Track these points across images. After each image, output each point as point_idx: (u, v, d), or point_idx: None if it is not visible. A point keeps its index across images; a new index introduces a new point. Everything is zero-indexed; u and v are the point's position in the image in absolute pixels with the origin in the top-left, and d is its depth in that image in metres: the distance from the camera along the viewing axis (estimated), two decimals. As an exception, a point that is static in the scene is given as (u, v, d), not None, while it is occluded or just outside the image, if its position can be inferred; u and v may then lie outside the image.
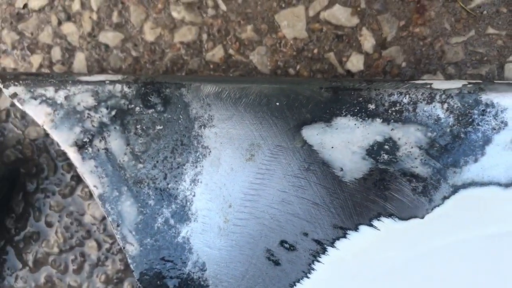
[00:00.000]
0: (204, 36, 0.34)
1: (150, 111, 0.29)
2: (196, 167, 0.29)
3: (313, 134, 0.28)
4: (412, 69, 0.33)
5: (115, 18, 0.35)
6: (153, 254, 0.30)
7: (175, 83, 0.29)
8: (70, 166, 0.36)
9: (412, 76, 0.33)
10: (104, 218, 0.36)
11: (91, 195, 0.36)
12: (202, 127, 0.29)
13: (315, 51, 0.33)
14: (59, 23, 0.35)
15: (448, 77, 0.32)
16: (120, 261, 0.36)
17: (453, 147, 0.27)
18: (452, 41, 0.33)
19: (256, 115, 0.28)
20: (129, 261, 0.30)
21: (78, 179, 0.36)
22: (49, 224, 0.36)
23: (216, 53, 0.34)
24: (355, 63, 0.33)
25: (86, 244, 0.36)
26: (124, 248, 0.30)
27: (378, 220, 0.28)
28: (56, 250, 0.36)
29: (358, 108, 0.27)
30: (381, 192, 0.28)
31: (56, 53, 0.36)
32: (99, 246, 0.36)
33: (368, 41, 0.33)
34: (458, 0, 0.32)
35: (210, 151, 0.29)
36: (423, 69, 0.33)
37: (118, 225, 0.30)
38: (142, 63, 0.35)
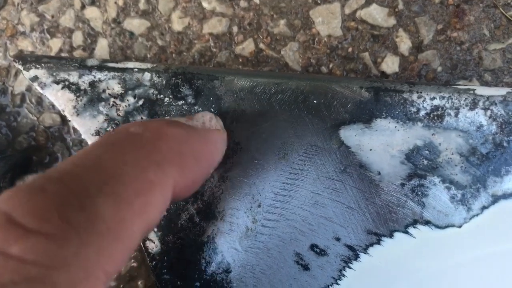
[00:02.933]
0: (235, 29, 0.33)
1: (180, 102, 0.28)
2: (225, 163, 0.28)
3: (351, 135, 0.27)
4: (447, 74, 0.32)
5: (142, 5, 0.33)
6: (174, 252, 0.29)
7: (208, 75, 0.28)
8: None
9: (447, 81, 0.32)
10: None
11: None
12: (234, 122, 0.28)
13: (350, 50, 0.32)
14: (83, 6, 0.34)
15: (485, 84, 0.32)
16: (133, 258, 0.34)
17: (495, 156, 0.26)
18: (490, 48, 0.32)
19: (291, 113, 0.27)
20: (148, 259, 0.29)
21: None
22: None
23: (246, 47, 0.33)
24: (390, 64, 0.32)
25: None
26: (143, 245, 0.29)
27: (414, 227, 0.27)
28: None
29: (399, 110, 0.26)
30: (418, 199, 0.27)
31: (78, 38, 0.34)
32: None
33: (404, 43, 0.32)
34: (498, 6, 0.31)
35: (241, 148, 0.28)
36: (459, 74, 0.32)
37: None
38: (168, 53, 0.33)
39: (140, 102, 0.28)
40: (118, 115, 0.28)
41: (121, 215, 0.16)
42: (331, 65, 0.32)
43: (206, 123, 0.26)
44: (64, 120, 0.34)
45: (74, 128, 0.34)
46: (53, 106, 0.34)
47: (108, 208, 0.15)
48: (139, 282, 0.35)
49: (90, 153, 0.18)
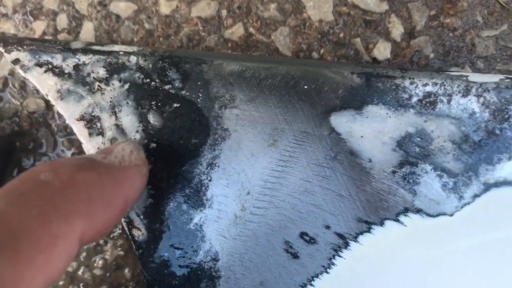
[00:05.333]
0: (224, 12, 0.32)
1: (167, 87, 0.27)
2: (214, 150, 0.27)
3: (342, 121, 0.26)
4: (440, 61, 0.32)
5: (128, -14, 0.32)
6: (161, 240, 0.28)
7: (196, 59, 0.27)
8: (71, 142, 0.34)
9: (439, 68, 0.31)
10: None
11: (92, 175, 0.33)
12: (223, 107, 0.27)
13: (341, 35, 0.32)
14: (67, -12, 0.33)
15: (477, 71, 0.31)
16: (120, 247, 0.34)
17: (487, 143, 0.26)
18: (483, 35, 0.31)
19: (281, 98, 0.26)
20: (135, 247, 0.28)
21: (79, 157, 0.34)
22: (45, 204, 0.34)
23: (235, 31, 0.32)
24: (382, 51, 0.31)
25: (84, 227, 0.34)
26: (130, 233, 0.28)
27: (405, 215, 0.27)
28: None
29: (390, 96, 0.26)
30: (410, 187, 0.26)
31: (62, 21, 0.33)
32: None
33: (396, 29, 0.31)
34: (492, -9, 0.31)
35: (230, 134, 0.27)
36: (451, 61, 0.31)
37: None
38: (155, 37, 0.33)
39: (126, 86, 0.27)
40: (104, 99, 0.28)
41: (21, 273, 0.15)
42: (322, 51, 0.31)
43: (126, 157, 0.25)
44: (48, 105, 0.33)
45: (59, 114, 0.33)
46: (37, 91, 0.33)
47: (6, 266, 0.15)
48: (126, 271, 0.34)
49: None
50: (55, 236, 0.17)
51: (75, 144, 0.34)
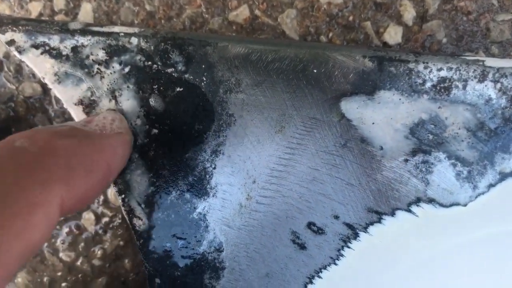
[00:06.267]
0: (229, -6, 0.31)
1: (170, 70, 0.26)
2: (218, 136, 0.26)
3: (352, 107, 0.25)
4: (453, 46, 0.30)
5: (128, -34, 0.31)
6: (163, 230, 0.27)
7: (200, 41, 0.25)
8: None
9: (452, 54, 0.30)
10: (104, 189, 0.32)
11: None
12: (228, 92, 0.26)
13: (351, 18, 0.30)
14: (64, -33, 0.31)
15: (491, 57, 0.30)
16: (120, 237, 0.33)
17: (503, 131, 0.25)
18: (498, 19, 0.30)
19: (289, 83, 0.25)
20: (135, 237, 0.27)
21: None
22: (42, 192, 0.33)
23: (240, 13, 0.31)
24: (393, 35, 0.30)
25: (83, 217, 0.33)
26: (130, 222, 0.27)
27: (417, 205, 0.26)
28: (48, 221, 0.33)
29: (404, 81, 0.25)
30: (422, 176, 0.25)
31: (59, 2, 0.32)
32: (98, 219, 0.33)
33: (408, 12, 0.30)
34: (508, -27, 0.30)
35: (236, 120, 0.26)
36: (465, 46, 0.30)
37: (125, 197, 0.27)
38: (156, 19, 0.31)
39: (127, 69, 0.26)
40: (103, 83, 0.26)
41: None
42: (330, 34, 0.30)
43: (107, 126, 0.24)
44: (45, 90, 0.32)
45: (56, 99, 0.32)
46: (33, 75, 0.32)
47: None
48: (126, 261, 0.33)
49: None
50: (33, 203, 0.17)
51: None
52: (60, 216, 0.19)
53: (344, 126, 0.25)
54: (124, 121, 0.26)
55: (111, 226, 0.33)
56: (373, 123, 0.25)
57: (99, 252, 0.33)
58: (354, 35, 0.30)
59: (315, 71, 0.25)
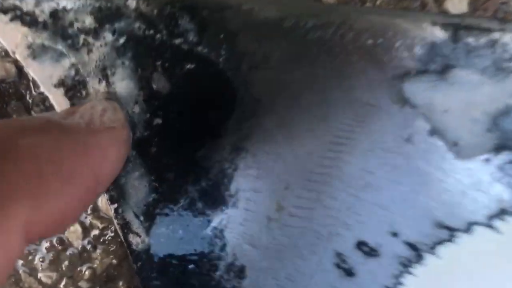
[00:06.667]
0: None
1: (178, 41, 0.21)
2: (241, 128, 0.21)
3: (418, 90, 0.20)
4: (531, 18, 0.25)
5: None
6: (168, 249, 0.22)
7: (217, 2, 0.20)
8: None
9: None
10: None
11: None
12: (254, 69, 0.21)
13: (403, -18, 0.25)
14: None
15: None
16: (112, 254, 0.27)
17: None
18: None
19: (335, 58, 0.20)
20: (132, 258, 0.22)
21: (60, 139, 0.27)
22: (17, 198, 0.27)
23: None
24: (457, 2, 0.24)
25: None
26: (125, 239, 0.22)
27: (501, 219, 0.20)
28: (25, 233, 0.27)
29: (485, 57, 0.19)
30: (508, 180, 0.20)
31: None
32: (85, 232, 0.27)
33: (475, -25, 0.24)
34: None
35: (263, 106, 0.21)
36: (546, 19, 0.25)
37: (119, 206, 0.22)
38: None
39: (122, 40, 0.21)
40: (91, 58, 0.21)
41: None
42: (378, 2, 0.24)
43: (95, 118, 0.18)
44: (21, 71, 0.27)
45: (34, 82, 0.27)
46: (6, 52, 0.26)
47: None
48: (120, 283, 0.27)
49: None
50: None
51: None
52: (26, 246, 0.15)
53: (407, 114, 0.20)
54: (119, 111, 0.20)
55: (101, 240, 0.27)
56: (445, 111, 0.20)
57: (87, 273, 0.28)
58: (407, 3, 0.24)
59: (369, 42, 0.20)
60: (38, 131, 0.16)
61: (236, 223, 0.21)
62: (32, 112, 0.27)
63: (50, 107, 0.26)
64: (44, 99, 0.27)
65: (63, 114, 0.18)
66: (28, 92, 0.27)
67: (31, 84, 0.27)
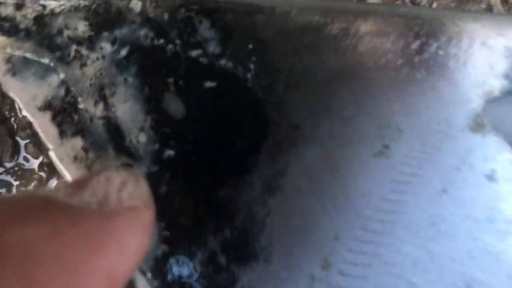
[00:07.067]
0: None
1: (195, 53, 0.17)
2: (275, 161, 0.16)
3: (503, 115, 0.16)
4: None
5: None
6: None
7: (244, 4, 0.17)
8: (39, 146, 0.24)
9: None
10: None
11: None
12: (292, 88, 0.17)
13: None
14: None
15: None
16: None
17: None
18: None
19: (396, 72, 0.16)
20: (136, 324, 0.17)
21: (51, 169, 0.24)
22: None
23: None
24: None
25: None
26: (127, 301, 0.17)
27: None
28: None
29: None
30: None
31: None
32: None
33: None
34: None
35: (303, 135, 0.17)
36: None
37: None
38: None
39: (124, 52, 0.17)
40: (85, 74, 0.17)
41: None
42: (435, 5, 0.20)
43: (111, 195, 0.13)
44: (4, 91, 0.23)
45: (19, 103, 0.22)
46: (-15, 67, 0.22)
47: None
48: None
49: None
50: None
51: (46, 150, 0.23)
52: None
53: (490, 144, 0.16)
54: (143, 183, 0.15)
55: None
56: (539, 141, 0.15)
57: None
58: (472, 5, 0.20)
59: (440, 53, 0.15)
60: (32, 219, 0.11)
61: (269, 284, 0.17)
62: (17, 138, 0.23)
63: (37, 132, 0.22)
64: (30, 123, 0.23)
65: (70, 190, 0.13)
66: (12, 114, 0.24)
67: (15, 105, 0.23)
